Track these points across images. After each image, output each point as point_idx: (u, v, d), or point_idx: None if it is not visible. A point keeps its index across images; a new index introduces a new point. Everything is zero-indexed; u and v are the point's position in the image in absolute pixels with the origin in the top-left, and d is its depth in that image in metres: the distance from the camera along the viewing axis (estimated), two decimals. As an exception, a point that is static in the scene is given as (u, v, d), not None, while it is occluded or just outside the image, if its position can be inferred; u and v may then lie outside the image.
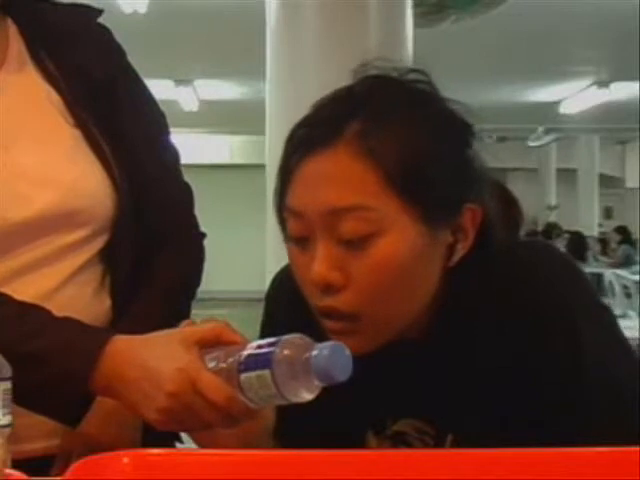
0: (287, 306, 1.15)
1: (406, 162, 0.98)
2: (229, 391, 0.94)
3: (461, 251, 1.03)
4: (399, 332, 1.04)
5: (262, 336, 1.21)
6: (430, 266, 1.02)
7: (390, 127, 1.00)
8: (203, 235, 1.35)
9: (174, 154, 1.35)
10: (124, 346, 1.03)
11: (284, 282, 1.15)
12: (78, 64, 1.24)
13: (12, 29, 1.25)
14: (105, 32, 1.30)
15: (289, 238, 1.04)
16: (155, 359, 0.99)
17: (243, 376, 0.92)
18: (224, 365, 0.95)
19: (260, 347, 0.93)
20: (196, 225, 1.35)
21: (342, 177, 0.99)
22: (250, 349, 0.94)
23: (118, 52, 1.31)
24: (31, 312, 1.09)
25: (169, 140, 1.35)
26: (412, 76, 1.06)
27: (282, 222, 1.06)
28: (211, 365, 0.97)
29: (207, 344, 0.99)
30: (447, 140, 1.03)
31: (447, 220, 1.02)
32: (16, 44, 1.24)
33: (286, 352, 0.90)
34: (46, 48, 1.25)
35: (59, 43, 1.25)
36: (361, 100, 1.02)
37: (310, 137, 1.01)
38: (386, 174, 0.98)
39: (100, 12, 1.30)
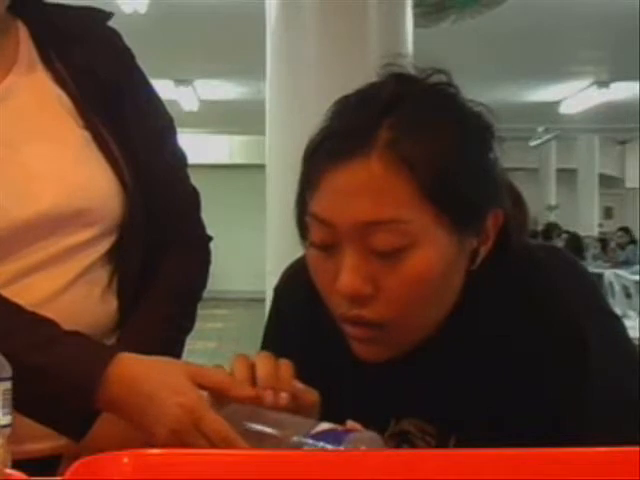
0: (299, 303, 1.15)
1: (438, 171, 0.96)
2: (232, 435, 0.94)
3: (483, 254, 1.03)
4: (422, 339, 1.04)
5: (267, 330, 1.21)
6: (457, 273, 1.02)
7: (421, 134, 0.98)
8: (209, 238, 1.34)
9: (181, 157, 1.34)
10: (128, 369, 1.03)
11: (296, 277, 1.14)
12: (87, 66, 1.24)
13: (22, 31, 1.25)
14: (114, 35, 1.30)
15: (311, 243, 1.02)
16: (159, 390, 0.99)
17: (311, 441, 0.91)
18: (267, 430, 0.94)
19: (328, 431, 0.92)
20: (202, 228, 1.34)
21: (376, 189, 0.96)
22: (323, 426, 0.92)
23: (127, 55, 1.31)
24: (41, 325, 1.09)
25: (176, 143, 1.35)
26: (436, 77, 1.04)
27: (301, 225, 1.04)
28: (248, 426, 0.95)
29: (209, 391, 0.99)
30: (475, 145, 1.02)
31: (475, 227, 1.01)
32: (26, 46, 1.24)
33: (355, 446, 0.89)
34: (55, 50, 1.25)
35: (68, 45, 1.25)
36: (389, 105, 0.99)
37: (340, 146, 0.98)
38: (420, 184, 0.96)
39: (110, 15, 1.30)
